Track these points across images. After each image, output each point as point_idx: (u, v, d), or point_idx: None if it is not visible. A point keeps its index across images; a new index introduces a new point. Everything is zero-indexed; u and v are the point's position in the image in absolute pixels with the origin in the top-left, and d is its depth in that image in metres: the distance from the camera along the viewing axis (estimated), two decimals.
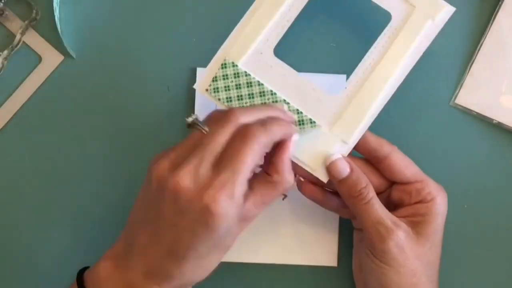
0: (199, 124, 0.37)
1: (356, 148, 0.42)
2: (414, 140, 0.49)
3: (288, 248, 0.47)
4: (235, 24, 0.49)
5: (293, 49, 0.49)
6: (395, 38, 0.42)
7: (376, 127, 0.47)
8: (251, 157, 0.35)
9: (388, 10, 0.43)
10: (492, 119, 0.48)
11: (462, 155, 0.48)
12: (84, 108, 0.49)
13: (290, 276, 0.48)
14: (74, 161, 0.48)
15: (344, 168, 0.40)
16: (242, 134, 0.36)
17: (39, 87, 0.49)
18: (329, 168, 0.40)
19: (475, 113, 0.48)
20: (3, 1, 0.49)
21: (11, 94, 0.49)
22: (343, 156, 0.41)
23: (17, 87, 0.49)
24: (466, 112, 0.49)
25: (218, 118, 0.38)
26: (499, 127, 0.48)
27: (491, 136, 0.49)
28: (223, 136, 0.36)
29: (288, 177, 0.38)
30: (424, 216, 0.41)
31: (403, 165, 0.41)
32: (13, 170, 0.49)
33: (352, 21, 0.49)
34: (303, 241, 0.47)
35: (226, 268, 0.47)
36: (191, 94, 0.48)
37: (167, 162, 0.36)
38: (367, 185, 0.40)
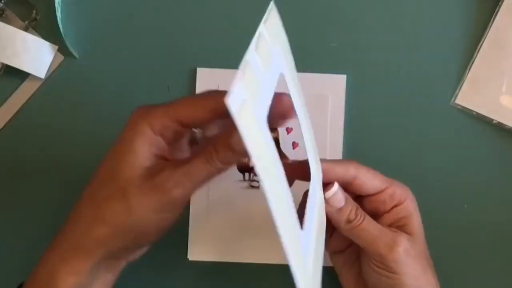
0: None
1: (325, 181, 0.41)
2: (414, 140, 0.49)
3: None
4: (235, 24, 0.49)
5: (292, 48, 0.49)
6: None
7: (376, 127, 0.48)
8: (193, 101, 0.36)
9: None
10: (492, 119, 0.48)
11: (462, 155, 0.48)
12: (84, 108, 0.49)
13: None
14: (74, 161, 0.48)
15: (342, 196, 0.40)
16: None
17: (39, 87, 0.49)
18: (331, 200, 0.40)
19: (475, 113, 0.48)
20: (3, 1, 0.49)
21: (11, 94, 0.49)
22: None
23: (17, 87, 0.49)
24: (466, 112, 0.49)
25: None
26: (499, 127, 0.48)
27: (491, 136, 0.49)
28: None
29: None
30: (407, 217, 0.41)
31: (370, 177, 0.40)
32: (13, 170, 0.49)
33: None
34: None
35: (225, 268, 0.47)
36: (191, 94, 0.48)
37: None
38: (357, 207, 0.40)
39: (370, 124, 0.48)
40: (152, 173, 0.35)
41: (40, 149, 0.49)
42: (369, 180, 0.41)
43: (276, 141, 0.41)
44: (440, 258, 0.46)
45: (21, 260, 0.48)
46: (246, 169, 0.46)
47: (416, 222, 0.41)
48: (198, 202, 0.47)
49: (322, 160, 0.40)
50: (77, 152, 0.48)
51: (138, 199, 0.35)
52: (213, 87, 0.44)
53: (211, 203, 0.47)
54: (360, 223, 0.40)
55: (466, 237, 0.48)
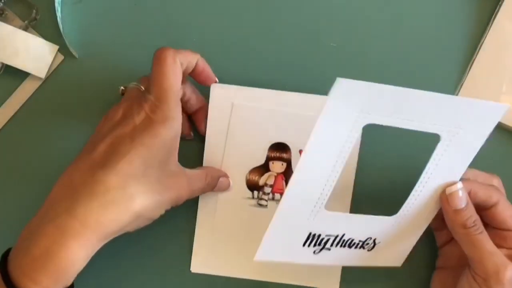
0: (133, 84, 0.43)
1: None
2: (414, 140, 0.48)
3: (294, 268, 0.46)
4: (235, 24, 0.49)
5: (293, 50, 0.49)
6: (443, 162, 0.39)
7: (376, 127, 0.47)
8: (172, 75, 0.40)
9: (437, 132, 0.39)
10: None
11: None
12: (84, 108, 0.49)
13: None
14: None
15: (464, 199, 0.40)
16: (156, 56, 0.40)
17: (39, 87, 0.49)
18: (450, 197, 0.40)
19: None
20: (3, 1, 0.49)
21: (11, 94, 0.49)
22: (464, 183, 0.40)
23: (17, 87, 0.49)
24: None
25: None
26: (499, 127, 0.48)
27: (491, 136, 0.48)
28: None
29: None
30: None
31: (508, 215, 0.40)
32: (13, 170, 0.48)
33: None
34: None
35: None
36: None
37: None
38: (478, 217, 0.40)
39: (370, 124, 0.48)
40: (175, 178, 0.41)
41: (40, 149, 0.49)
42: (505, 217, 0.40)
43: (288, 162, 0.45)
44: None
45: None
46: (256, 187, 0.46)
47: None
48: (204, 215, 0.47)
49: (465, 181, 0.40)
50: (77, 152, 0.48)
51: (162, 200, 0.39)
52: (226, 103, 0.46)
53: (217, 217, 0.46)
54: (477, 234, 0.39)
55: None
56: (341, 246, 0.41)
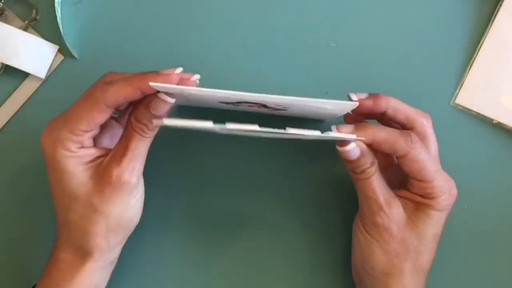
0: None
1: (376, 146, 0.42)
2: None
3: None
4: (235, 24, 0.49)
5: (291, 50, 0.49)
6: None
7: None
8: (84, 109, 0.38)
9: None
10: (492, 119, 0.48)
11: (462, 155, 0.48)
12: None
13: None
14: None
15: (354, 154, 0.40)
16: (86, 92, 0.39)
17: (39, 88, 0.49)
18: (340, 152, 0.41)
19: (475, 113, 0.48)
20: (3, 1, 0.49)
21: (11, 94, 0.49)
22: (356, 142, 0.40)
23: (17, 87, 0.49)
24: (466, 112, 0.49)
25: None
26: (499, 127, 0.48)
27: (491, 136, 0.49)
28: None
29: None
30: (421, 206, 0.41)
31: (415, 167, 0.40)
32: (13, 170, 0.48)
33: None
34: None
35: None
36: None
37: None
38: (371, 165, 0.41)
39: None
40: (101, 176, 0.39)
41: (40, 149, 0.48)
42: (412, 169, 0.40)
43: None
44: (440, 258, 0.46)
45: (19, 255, 0.48)
46: None
47: (424, 217, 0.41)
48: None
49: (374, 129, 0.40)
50: None
51: (109, 206, 0.39)
52: None
53: None
54: (363, 179, 0.41)
55: (466, 237, 0.48)
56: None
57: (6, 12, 0.49)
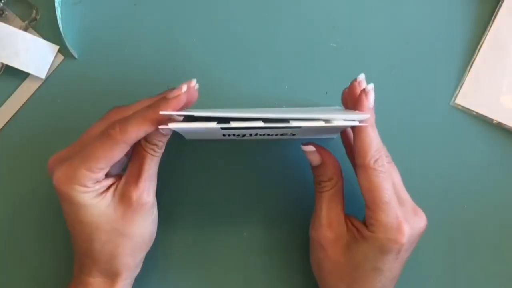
0: None
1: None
2: (414, 140, 0.49)
3: None
4: (235, 24, 0.49)
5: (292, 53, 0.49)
6: None
7: (376, 127, 0.47)
8: (104, 149, 0.38)
9: None
10: (492, 119, 0.48)
11: (462, 155, 0.48)
12: (84, 108, 0.49)
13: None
14: None
15: (314, 160, 0.42)
16: (103, 132, 0.39)
17: (39, 87, 0.49)
18: (305, 154, 0.43)
19: (475, 113, 0.48)
20: (3, 1, 0.49)
21: (11, 94, 0.49)
22: (317, 148, 0.42)
23: (17, 87, 0.49)
24: (466, 112, 0.49)
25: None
26: (499, 127, 0.48)
27: (491, 136, 0.49)
28: (94, 128, 0.40)
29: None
30: (361, 238, 0.40)
31: (368, 188, 0.39)
32: (13, 170, 0.48)
33: None
34: None
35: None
36: None
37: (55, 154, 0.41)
38: (328, 179, 0.42)
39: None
40: (120, 201, 0.40)
41: (40, 149, 0.48)
42: (363, 187, 0.39)
43: None
44: (440, 258, 0.46)
45: (20, 255, 0.48)
46: None
47: (356, 248, 0.40)
48: None
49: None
50: None
51: (133, 228, 0.40)
52: None
53: None
54: (318, 192, 0.42)
55: (466, 237, 0.48)
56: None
57: (6, 12, 0.49)
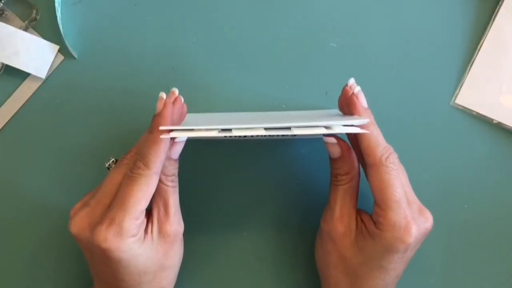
0: (112, 162, 0.44)
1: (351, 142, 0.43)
2: (414, 140, 0.49)
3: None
4: (235, 24, 0.49)
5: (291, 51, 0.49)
6: None
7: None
8: (140, 191, 0.38)
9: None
10: (492, 119, 0.48)
11: (462, 155, 0.48)
12: (84, 108, 0.49)
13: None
14: (74, 161, 0.48)
15: (334, 152, 0.42)
16: (128, 175, 0.39)
17: (39, 88, 0.49)
18: (326, 146, 0.42)
19: (475, 113, 0.48)
20: (3, 1, 0.49)
21: (11, 94, 0.49)
22: (339, 141, 0.42)
23: (17, 87, 0.49)
24: (466, 112, 0.49)
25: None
26: (499, 127, 0.48)
27: (491, 136, 0.49)
28: (114, 176, 0.39)
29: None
30: (369, 235, 0.40)
31: (378, 185, 0.39)
32: (13, 170, 0.48)
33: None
34: None
35: None
36: (190, 94, 0.48)
37: (76, 210, 0.40)
38: (345, 174, 0.41)
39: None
40: (160, 241, 0.40)
41: (40, 149, 0.49)
42: (374, 187, 0.39)
43: None
44: (440, 257, 0.46)
45: (18, 256, 0.48)
46: None
47: (365, 244, 0.40)
48: None
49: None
50: (77, 153, 0.48)
51: (175, 259, 0.42)
52: None
53: None
54: (333, 185, 0.42)
55: (466, 237, 0.48)
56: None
57: (6, 12, 0.49)
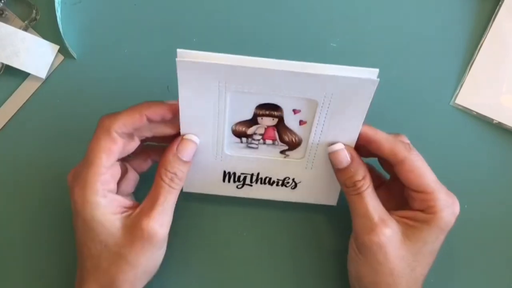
0: None
1: (368, 153, 0.42)
2: (414, 140, 0.48)
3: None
4: (235, 24, 0.49)
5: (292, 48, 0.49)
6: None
7: (376, 127, 0.47)
8: (98, 144, 0.39)
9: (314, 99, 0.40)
10: (492, 119, 0.48)
11: (462, 155, 0.48)
12: (84, 108, 0.49)
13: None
14: (74, 162, 0.48)
15: (344, 159, 0.41)
16: (97, 127, 0.40)
17: (38, 88, 0.49)
18: (331, 157, 0.41)
19: (475, 113, 0.48)
20: (3, 1, 0.49)
21: (11, 94, 0.49)
22: (346, 146, 0.41)
23: (17, 87, 0.49)
24: (466, 112, 0.49)
25: None
26: (499, 127, 0.48)
27: (491, 136, 0.49)
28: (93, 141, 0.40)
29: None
30: (421, 224, 0.40)
31: (416, 174, 0.40)
32: (13, 170, 0.49)
33: None
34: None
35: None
36: None
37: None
38: (363, 178, 0.40)
39: (370, 124, 0.48)
40: (131, 228, 0.39)
41: (40, 149, 0.49)
42: (412, 176, 0.40)
43: (280, 117, 0.42)
44: (440, 257, 0.46)
45: (16, 256, 0.48)
46: (244, 135, 0.43)
47: (424, 235, 0.40)
48: None
49: (371, 129, 0.41)
50: (77, 152, 0.48)
51: (139, 258, 0.39)
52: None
53: None
54: (355, 195, 0.40)
55: (466, 237, 0.48)
56: (261, 183, 0.45)
57: (6, 12, 0.49)
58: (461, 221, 0.48)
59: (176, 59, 0.37)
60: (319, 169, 0.43)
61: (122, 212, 0.40)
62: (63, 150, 0.48)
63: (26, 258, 0.48)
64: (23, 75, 0.49)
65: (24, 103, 0.49)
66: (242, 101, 0.40)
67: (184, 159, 0.40)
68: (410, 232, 0.40)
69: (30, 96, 0.49)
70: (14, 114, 0.49)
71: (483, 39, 0.49)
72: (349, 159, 0.40)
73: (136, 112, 0.39)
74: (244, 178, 0.45)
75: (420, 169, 0.40)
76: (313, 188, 0.45)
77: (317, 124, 0.41)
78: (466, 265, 0.48)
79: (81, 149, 0.48)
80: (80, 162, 0.41)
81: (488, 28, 0.48)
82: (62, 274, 0.47)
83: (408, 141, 0.41)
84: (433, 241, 0.40)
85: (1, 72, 0.49)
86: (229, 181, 0.45)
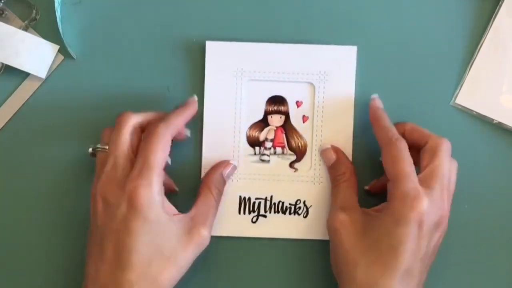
0: (98, 147, 0.43)
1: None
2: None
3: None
4: (234, 24, 0.49)
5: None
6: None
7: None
8: (160, 150, 0.40)
9: (310, 81, 0.47)
10: (492, 119, 0.48)
11: (462, 155, 0.48)
12: (84, 108, 0.49)
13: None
14: (73, 162, 0.48)
15: (330, 157, 0.46)
16: (148, 132, 0.41)
17: (38, 88, 0.49)
18: (321, 156, 0.47)
19: (475, 113, 0.48)
20: (3, 1, 0.49)
21: (10, 94, 0.49)
22: (332, 146, 0.46)
23: (16, 87, 0.49)
24: (466, 112, 0.49)
25: (111, 130, 0.43)
26: (499, 127, 0.48)
27: (491, 136, 0.49)
28: (122, 136, 0.42)
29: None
30: (377, 212, 0.42)
31: (389, 161, 0.42)
32: (13, 170, 0.48)
33: None
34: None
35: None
36: (191, 94, 0.48)
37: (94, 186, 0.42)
38: (343, 173, 0.45)
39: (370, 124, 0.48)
40: (187, 233, 0.41)
41: (40, 149, 0.49)
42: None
43: (286, 114, 0.48)
44: (439, 257, 0.46)
45: (19, 253, 0.48)
46: (257, 143, 0.48)
47: (384, 227, 0.40)
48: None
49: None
50: (77, 152, 0.48)
51: (188, 259, 0.41)
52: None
53: None
54: (334, 185, 0.45)
55: (466, 237, 0.48)
56: (275, 212, 0.47)
57: (6, 12, 0.49)
58: (461, 221, 0.48)
59: (206, 41, 0.47)
60: (325, 184, 0.47)
61: (174, 215, 0.42)
62: (63, 150, 0.48)
63: (26, 258, 0.48)
64: (23, 75, 0.49)
65: (24, 103, 0.49)
66: (254, 94, 0.47)
67: (227, 179, 0.46)
68: (369, 223, 0.41)
69: (30, 96, 0.49)
70: (14, 114, 0.49)
71: (483, 39, 0.48)
72: (334, 157, 0.46)
73: (179, 117, 0.43)
74: (259, 206, 0.47)
75: (395, 157, 0.41)
76: (322, 219, 0.47)
77: (316, 116, 0.47)
78: (466, 265, 0.48)
79: (81, 149, 0.48)
80: (108, 166, 0.41)
81: (488, 28, 0.48)
82: (59, 272, 0.47)
83: (404, 142, 0.42)
84: (388, 233, 0.39)
85: (1, 72, 0.49)
86: (244, 212, 0.47)
